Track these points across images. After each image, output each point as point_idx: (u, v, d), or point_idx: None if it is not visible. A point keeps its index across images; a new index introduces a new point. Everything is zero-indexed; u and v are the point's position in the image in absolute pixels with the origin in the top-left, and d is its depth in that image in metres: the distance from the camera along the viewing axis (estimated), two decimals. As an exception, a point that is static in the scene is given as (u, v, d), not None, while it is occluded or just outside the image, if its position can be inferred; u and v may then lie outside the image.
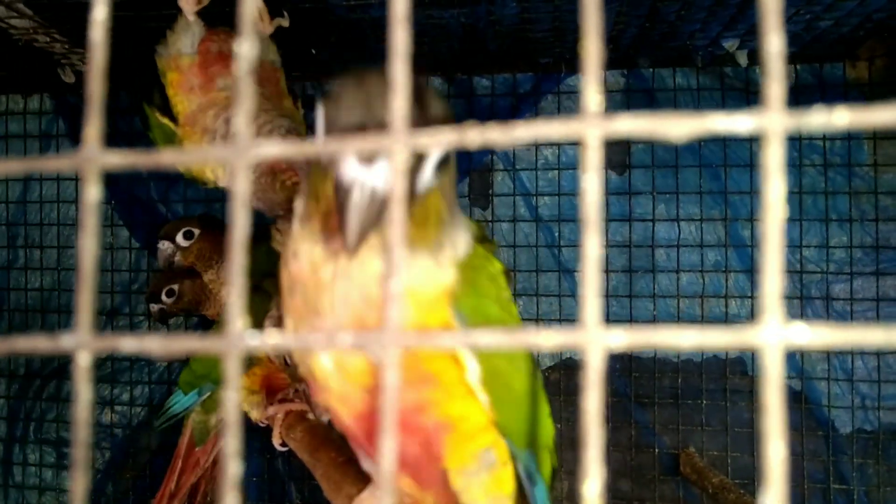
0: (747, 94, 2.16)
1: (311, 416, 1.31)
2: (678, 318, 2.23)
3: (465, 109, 2.29)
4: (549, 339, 0.27)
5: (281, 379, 1.47)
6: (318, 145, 0.28)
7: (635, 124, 0.27)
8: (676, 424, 2.21)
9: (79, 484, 0.30)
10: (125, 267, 2.55)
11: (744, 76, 2.16)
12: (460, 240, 0.89)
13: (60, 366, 2.57)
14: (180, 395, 1.75)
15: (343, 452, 1.20)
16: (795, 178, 2.17)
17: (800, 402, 2.15)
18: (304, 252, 0.83)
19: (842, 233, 2.18)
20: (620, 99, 2.24)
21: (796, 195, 2.16)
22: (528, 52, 2.06)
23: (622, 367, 2.23)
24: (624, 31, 1.82)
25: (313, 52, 1.96)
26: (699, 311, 2.22)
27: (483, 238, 0.96)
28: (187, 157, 0.30)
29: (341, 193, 0.72)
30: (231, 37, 1.58)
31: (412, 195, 0.78)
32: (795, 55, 2.08)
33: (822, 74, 2.15)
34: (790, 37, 1.92)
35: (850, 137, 2.15)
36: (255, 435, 2.46)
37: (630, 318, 2.21)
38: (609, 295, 2.21)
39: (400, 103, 0.28)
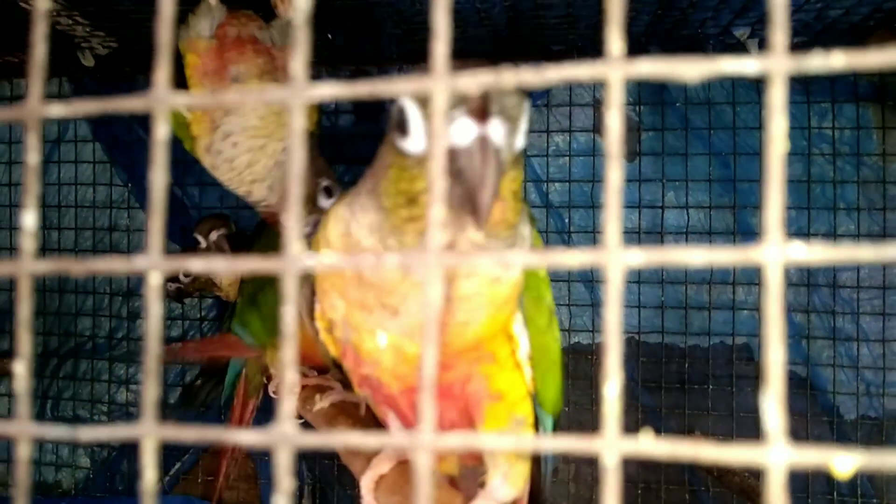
0: (757, 83, 2.19)
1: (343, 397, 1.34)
2: (686, 305, 2.25)
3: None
4: (574, 258, 0.30)
5: (313, 351, 1.52)
6: (373, 84, 0.31)
7: (653, 66, 0.30)
8: (683, 409, 2.24)
9: (150, 392, 0.34)
10: (142, 248, 2.59)
11: (754, 65, 2.17)
12: (526, 225, 0.86)
13: (77, 345, 2.62)
14: (234, 366, 1.92)
15: (359, 422, 1.23)
16: (804, 167, 2.19)
17: (805, 388, 2.17)
18: (375, 247, 0.79)
19: (849, 221, 2.20)
20: (631, 87, 2.26)
21: (805, 184, 2.18)
22: (540, 40, 2.09)
23: (630, 351, 2.26)
24: (636, 19, 1.85)
25: (329, 36, 1.99)
26: (706, 297, 2.25)
27: (532, 219, 0.94)
28: (250, 96, 0.34)
29: (463, 157, 0.67)
30: (250, 20, 1.62)
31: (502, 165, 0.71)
32: (806, 44, 2.10)
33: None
34: (801, 26, 1.94)
35: (859, 127, 2.18)
36: (267, 416, 2.51)
37: (638, 304, 2.24)
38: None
39: (441, 48, 0.32)
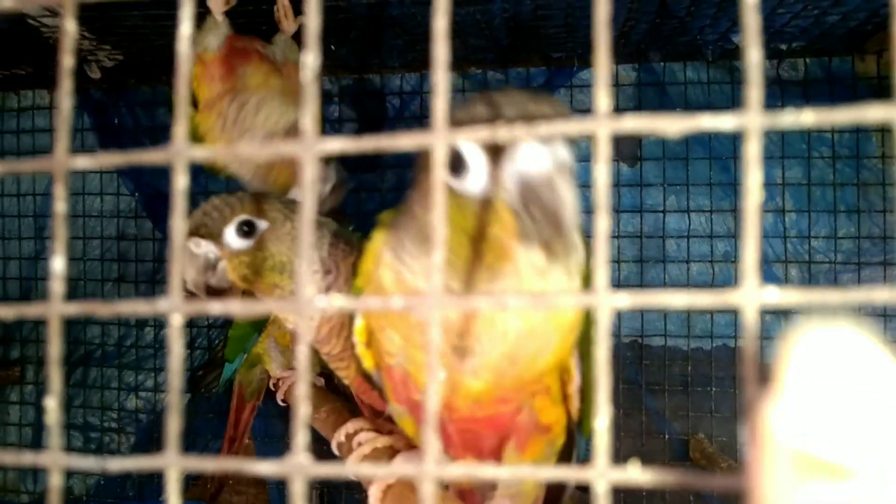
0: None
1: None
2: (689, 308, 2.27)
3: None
4: (568, 300, 0.33)
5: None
6: (378, 140, 0.34)
7: (638, 122, 0.32)
8: (686, 411, 2.26)
9: (173, 425, 0.36)
10: (149, 257, 2.62)
11: (753, 70, 2.19)
12: (579, 242, 0.81)
13: (86, 353, 2.65)
14: (228, 365, 1.95)
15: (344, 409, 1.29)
16: (804, 170, 2.21)
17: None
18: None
19: (850, 224, 2.22)
20: (632, 93, 2.29)
21: (805, 186, 2.20)
22: (540, 47, 2.11)
23: (633, 355, 2.29)
24: (635, 27, 1.87)
25: (332, 48, 2.02)
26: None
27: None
28: (263, 150, 0.36)
29: (539, 182, 0.69)
30: (253, 39, 1.66)
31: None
32: (804, 49, 2.12)
33: (830, 68, 2.18)
34: (799, 31, 1.96)
35: (859, 130, 2.19)
36: (276, 421, 2.54)
37: (641, 308, 2.26)
38: (621, 284, 2.26)
39: (441, 105, 0.34)
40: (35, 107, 2.68)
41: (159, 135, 2.49)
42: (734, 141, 2.24)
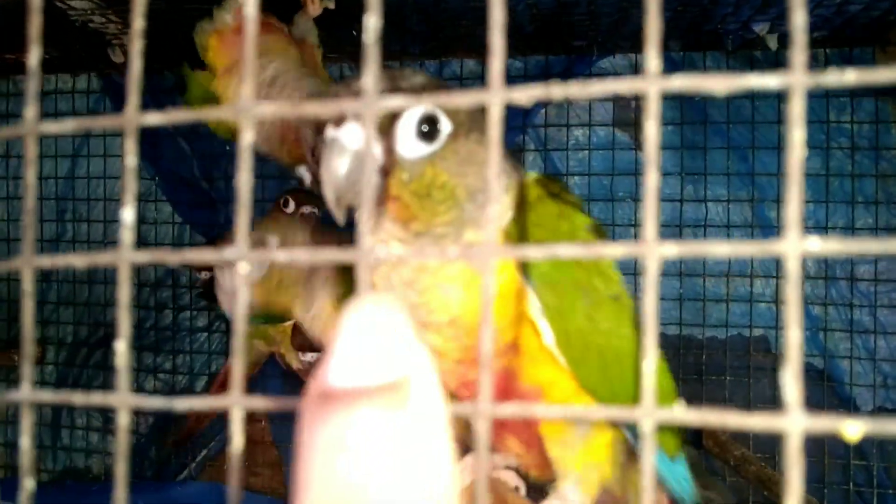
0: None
1: None
2: (704, 296, 2.28)
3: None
4: (614, 249, 0.35)
5: None
6: (437, 98, 0.36)
7: (686, 81, 0.34)
8: (700, 399, 2.28)
9: (238, 367, 0.38)
10: (168, 241, 2.66)
11: (774, 59, 2.20)
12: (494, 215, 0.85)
13: (106, 335, 2.69)
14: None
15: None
16: (822, 161, 2.21)
17: (822, 379, 2.20)
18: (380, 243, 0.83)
19: (868, 215, 2.22)
20: (651, 82, 2.29)
21: (823, 177, 2.21)
22: (562, 36, 2.12)
23: (648, 343, 2.29)
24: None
25: (354, 33, 2.03)
26: (724, 289, 2.28)
27: (555, 194, 0.93)
28: (324, 107, 0.38)
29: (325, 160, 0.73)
30: (270, 17, 1.68)
31: (389, 164, 0.76)
32: (826, 39, 2.12)
33: (851, 59, 2.18)
34: (821, 21, 1.96)
35: (878, 121, 2.19)
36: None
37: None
38: (635, 273, 2.27)
39: (497, 65, 0.36)
40: (57, 91, 2.71)
41: (180, 120, 2.51)
42: (752, 131, 2.24)
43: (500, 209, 0.88)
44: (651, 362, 0.34)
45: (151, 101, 2.64)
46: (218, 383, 2.17)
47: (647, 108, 0.35)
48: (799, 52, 0.34)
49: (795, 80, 0.33)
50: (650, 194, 0.34)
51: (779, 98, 2.20)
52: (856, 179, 2.21)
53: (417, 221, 0.81)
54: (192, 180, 2.64)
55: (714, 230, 2.28)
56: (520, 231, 0.87)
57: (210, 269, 2.07)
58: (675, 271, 2.28)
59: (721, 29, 2.03)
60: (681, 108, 2.27)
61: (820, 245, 0.32)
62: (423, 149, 0.78)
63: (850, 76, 0.33)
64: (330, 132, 0.73)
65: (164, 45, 2.28)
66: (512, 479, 1.01)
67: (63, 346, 2.73)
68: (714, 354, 2.29)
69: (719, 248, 0.33)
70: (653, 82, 0.34)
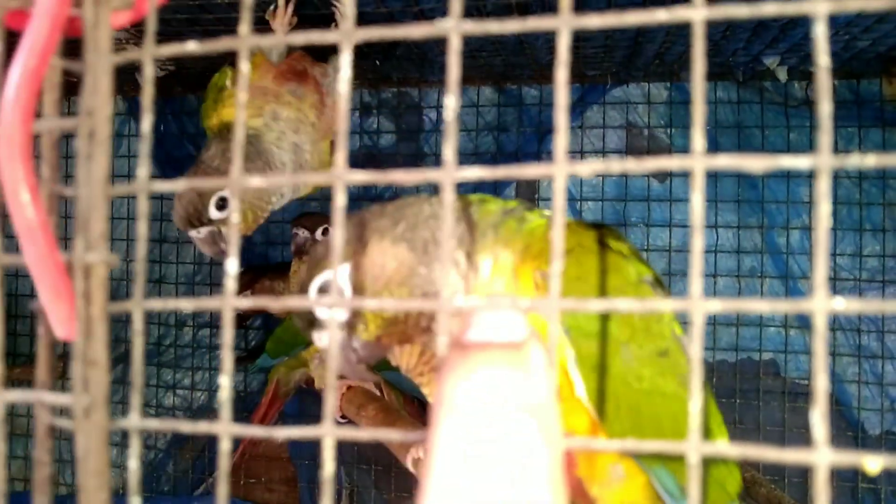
0: (786, 108, 2.27)
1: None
2: (714, 321, 2.33)
3: (516, 118, 2.42)
4: (664, 304, 0.40)
5: None
6: (509, 170, 0.41)
7: (729, 161, 0.40)
8: (710, 422, 2.31)
9: (330, 401, 0.43)
10: (189, 259, 2.72)
11: (783, 90, 2.26)
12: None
13: (126, 351, 2.74)
14: (267, 357, 1.98)
15: (417, 425, 1.32)
16: (831, 189, 2.26)
17: (831, 404, 2.24)
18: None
19: (875, 242, 2.27)
20: (663, 110, 2.36)
21: (831, 205, 2.25)
22: (577, 66, 2.18)
23: (659, 365, 2.34)
24: (670, 48, 1.94)
25: (377, 62, 2.10)
26: (735, 314, 2.32)
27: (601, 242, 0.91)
28: (408, 176, 0.44)
29: None
30: (315, 66, 1.70)
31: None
32: (834, 71, 2.17)
33: (858, 90, 2.24)
34: (830, 55, 2.01)
35: (885, 151, 2.25)
36: (309, 419, 2.62)
37: (668, 319, 2.32)
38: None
39: (562, 143, 0.41)
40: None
41: (201, 141, 2.58)
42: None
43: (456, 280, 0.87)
44: (697, 402, 0.39)
45: (174, 121, 2.71)
46: (259, 416, 2.23)
47: (693, 182, 0.40)
48: (825, 135, 0.39)
49: (822, 161, 0.38)
50: (696, 255, 0.40)
51: (788, 128, 2.26)
52: (863, 207, 2.26)
53: (408, 336, 0.85)
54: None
55: (724, 255, 2.33)
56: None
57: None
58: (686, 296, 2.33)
59: (732, 61, 2.09)
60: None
61: (845, 304, 0.38)
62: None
63: (870, 160, 0.38)
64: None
65: (191, 73, 2.35)
66: None
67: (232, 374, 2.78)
68: (724, 377, 2.33)
69: (757, 306, 0.39)
70: (699, 160, 0.40)
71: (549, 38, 1.85)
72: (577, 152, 2.40)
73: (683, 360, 0.94)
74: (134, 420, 0.47)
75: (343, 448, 2.65)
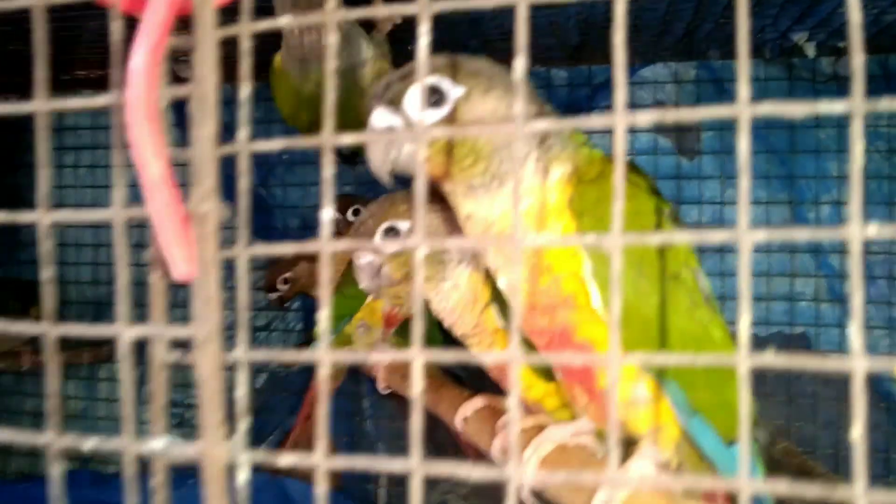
0: (814, 83, 2.29)
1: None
2: (745, 296, 2.36)
3: (544, 100, 2.46)
4: (715, 235, 0.45)
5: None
6: (575, 120, 0.47)
7: (774, 108, 0.45)
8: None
9: (416, 429, 0.49)
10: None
11: (811, 66, 2.28)
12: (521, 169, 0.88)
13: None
14: (314, 345, 2.06)
15: (463, 389, 1.37)
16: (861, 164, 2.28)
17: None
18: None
19: (906, 215, 2.29)
20: (691, 89, 2.39)
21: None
22: (605, 46, 2.22)
23: (690, 341, 2.38)
24: (699, 26, 1.97)
25: (409, 48, 2.15)
26: (765, 288, 2.36)
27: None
28: (484, 130, 0.49)
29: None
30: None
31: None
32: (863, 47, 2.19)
33: (887, 65, 2.26)
34: (857, 29, 2.03)
35: (915, 124, 2.26)
36: (345, 398, 2.70)
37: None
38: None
39: (621, 96, 0.47)
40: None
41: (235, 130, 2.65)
42: (791, 136, 2.32)
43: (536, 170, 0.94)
44: (746, 320, 0.45)
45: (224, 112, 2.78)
46: (303, 416, 2.32)
47: (739, 129, 0.45)
48: (858, 83, 0.44)
49: (856, 105, 0.44)
50: (743, 192, 0.45)
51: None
52: (893, 181, 2.28)
53: (452, 177, 0.89)
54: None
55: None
56: (585, 201, 0.95)
57: (275, 289, 2.25)
58: (717, 271, 2.36)
59: (760, 38, 2.11)
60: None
61: (877, 230, 0.43)
62: (435, 115, 0.89)
63: (898, 103, 0.43)
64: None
65: (229, 61, 2.42)
66: (593, 446, 1.09)
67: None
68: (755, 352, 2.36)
69: (800, 234, 0.44)
70: (744, 108, 0.45)
71: (579, 20, 1.90)
72: (607, 131, 2.43)
73: (696, 286, 1.02)
74: (241, 352, 0.54)
75: (380, 426, 2.73)
